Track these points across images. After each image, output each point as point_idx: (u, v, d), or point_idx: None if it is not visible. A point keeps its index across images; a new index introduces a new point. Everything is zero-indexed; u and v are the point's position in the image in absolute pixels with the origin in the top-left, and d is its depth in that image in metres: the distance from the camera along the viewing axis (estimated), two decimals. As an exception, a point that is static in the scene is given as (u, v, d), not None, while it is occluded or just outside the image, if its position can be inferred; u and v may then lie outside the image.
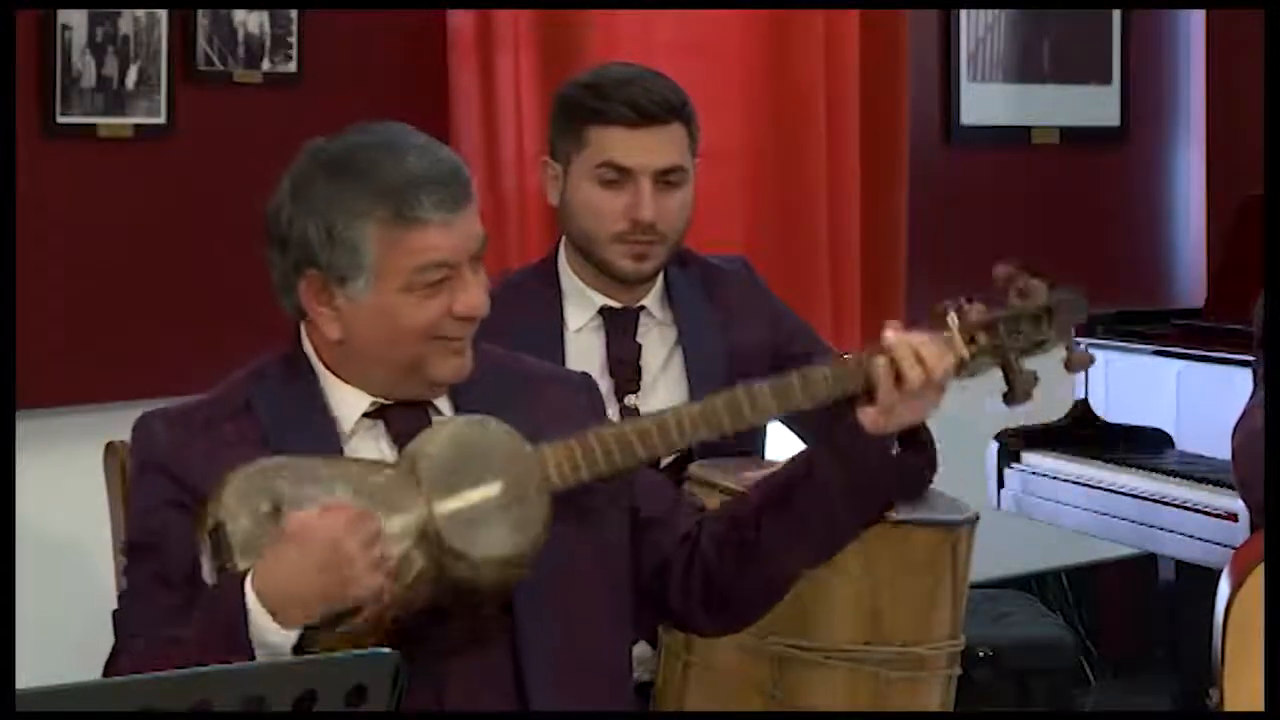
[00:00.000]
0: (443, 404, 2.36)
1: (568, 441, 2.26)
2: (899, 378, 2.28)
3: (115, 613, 2.29)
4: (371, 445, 2.33)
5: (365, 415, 2.33)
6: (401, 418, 2.33)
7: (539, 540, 2.23)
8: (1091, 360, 2.42)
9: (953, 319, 2.34)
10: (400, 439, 2.31)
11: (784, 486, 2.36)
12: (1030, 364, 2.39)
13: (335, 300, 2.27)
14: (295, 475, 2.19)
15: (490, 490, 2.22)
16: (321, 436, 2.30)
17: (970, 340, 2.34)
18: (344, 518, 2.11)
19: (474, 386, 2.36)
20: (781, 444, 3.21)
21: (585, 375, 2.55)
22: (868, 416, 2.30)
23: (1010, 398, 2.39)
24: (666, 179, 3.00)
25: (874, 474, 2.33)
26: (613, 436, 2.27)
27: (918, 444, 2.37)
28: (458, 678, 2.25)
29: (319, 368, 2.34)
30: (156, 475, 2.30)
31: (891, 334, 2.30)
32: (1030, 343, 2.38)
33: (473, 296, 2.27)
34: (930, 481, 2.99)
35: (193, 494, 2.24)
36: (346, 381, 2.33)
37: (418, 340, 2.27)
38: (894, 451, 2.34)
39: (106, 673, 2.22)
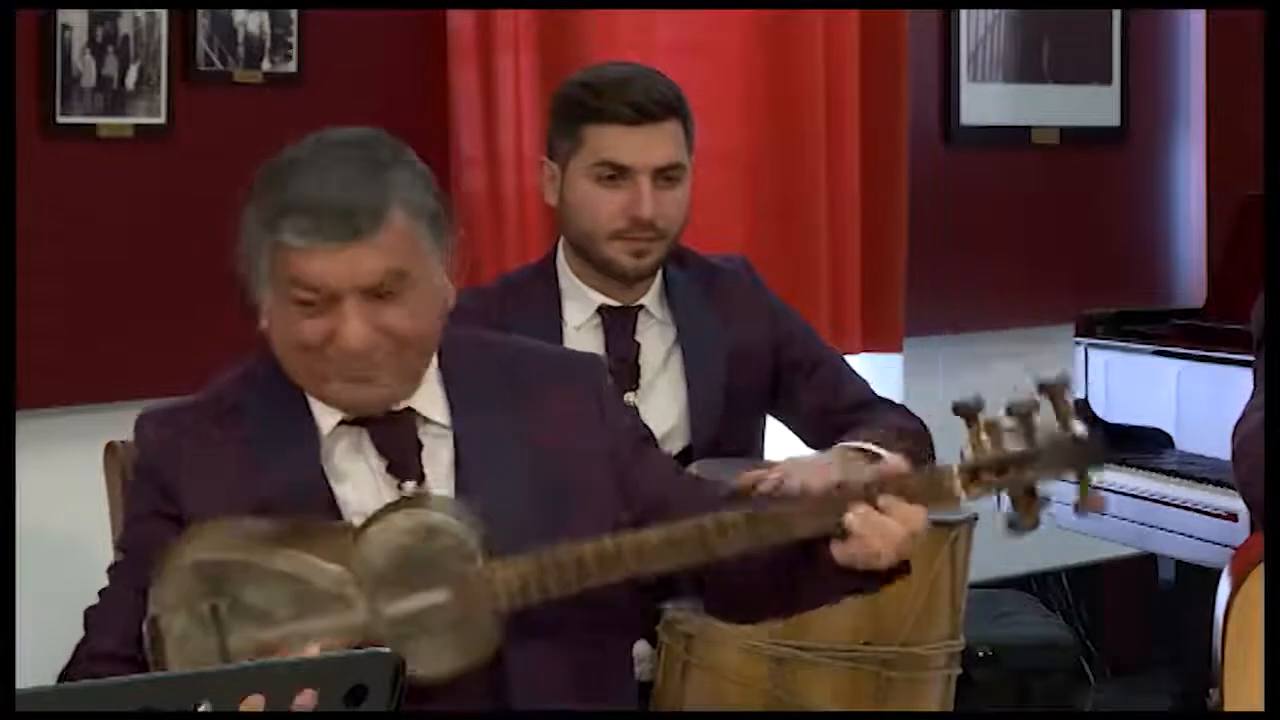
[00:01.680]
0: (435, 409, 2.31)
1: (519, 561, 2.17)
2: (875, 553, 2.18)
3: (88, 610, 2.29)
4: (355, 455, 2.30)
5: (347, 424, 2.30)
6: (382, 427, 2.29)
7: (482, 662, 2.18)
8: (1102, 505, 2.26)
9: (955, 463, 2.18)
10: (383, 449, 2.29)
11: (773, 563, 2.29)
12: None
13: (257, 299, 2.29)
14: (234, 575, 2.15)
15: (433, 600, 2.17)
16: (303, 446, 2.28)
17: (973, 479, 2.19)
18: None
19: (470, 384, 2.33)
20: (781, 444, 3.22)
21: (590, 365, 2.47)
22: (840, 554, 2.20)
23: (1013, 527, 2.24)
24: (665, 176, 3.00)
25: (845, 587, 2.28)
26: (571, 559, 2.18)
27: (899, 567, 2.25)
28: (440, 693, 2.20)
29: None
30: (145, 481, 2.31)
31: (860, 520, 2.17)
32: (1041, 478, 2.21)
33: (346, 332, 2.20)
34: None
35: (172, 502, 2.25)
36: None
37: (306, 357, 2.24)
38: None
39: (61, 677, 2.23)
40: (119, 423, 2.41)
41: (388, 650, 1.81)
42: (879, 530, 2.18)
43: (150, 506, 2.28)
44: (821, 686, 2.83)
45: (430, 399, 2.32)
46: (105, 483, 2.62)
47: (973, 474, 2.19)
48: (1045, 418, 2.20)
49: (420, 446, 2.30)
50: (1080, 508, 2.24)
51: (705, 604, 2.42)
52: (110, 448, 2.60)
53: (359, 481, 2.29)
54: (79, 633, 2.30)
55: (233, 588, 2.15)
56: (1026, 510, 2.21)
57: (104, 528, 2.59)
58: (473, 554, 2.18)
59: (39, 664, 2.60)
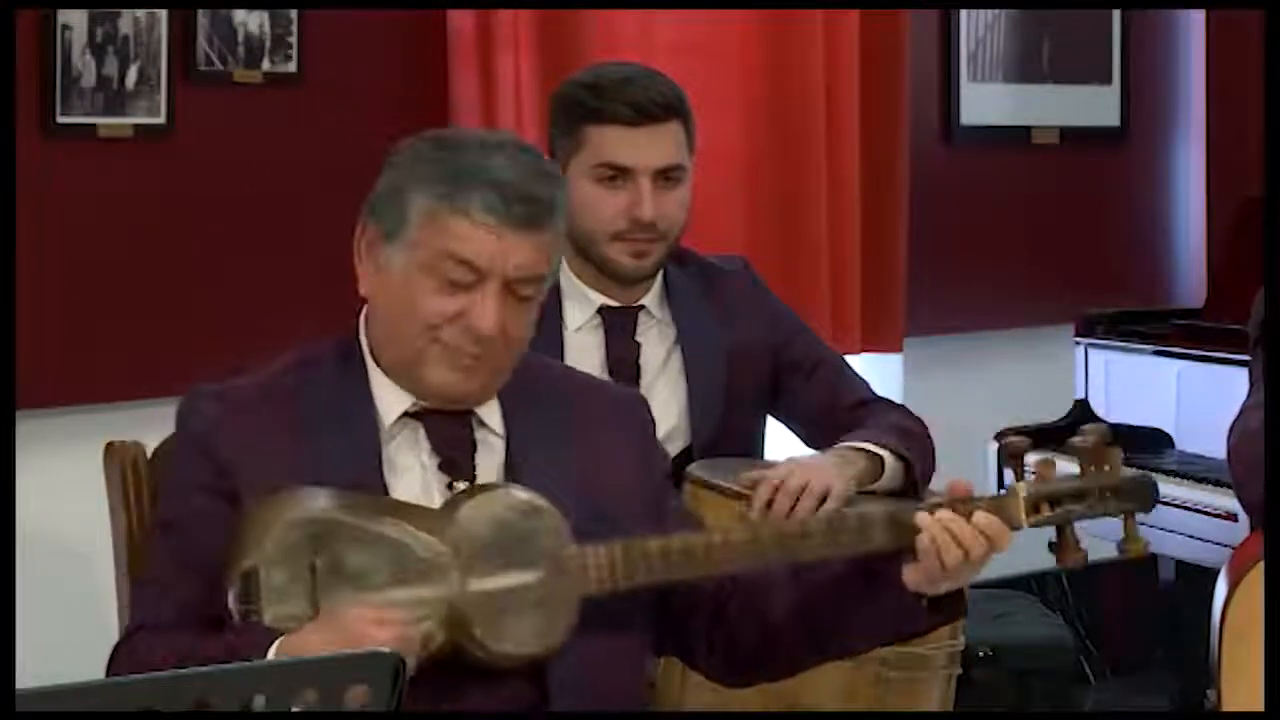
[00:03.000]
0: (492, 414, 2.33)
1: (611, 546, 2.22)
2: (941, 560, 2.22)
3: (133, 586, 2.29)
4: (410, 450, 2.30)
5: (408, 415, 2.30)
6: (441, 424, 2.30)
7: (558, 644, 2.21)
8: (1146, 551, 2.37)
9: (1022, 489, 2.26)
10: (438, 447, 2.30)
11: (809, 600, 2.33)
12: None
13: (377, 258, 2.28)
14: (340, 535, 2.17)
15: (524, 579, 2.20)
16: (361, 435, 2.28)
17: (1034, 509, 2.28)
18: (390, 636, 2.07)
19: (525, 399, 2.34)
20: (781, 444, 3.22)
21: (636, 402, 2.51)
22: (910, 575, 2.25)
23: (1059, 559, 2.34)
24: (666, 177, 3.00)
25: (899, 621, 2.31)
26: (657, 550, 2.23)
27: (952, 600, 2.29)
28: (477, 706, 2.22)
29: (369, 360, 2.32)
30: (193, 454, 2.29)
31: (938, 523, 2.22)
32: (1091, 515, 2.32)
33: (483, 315, 2.22)
34: (929, 479, 3.01)
35: (227, 479, 2.24)
36: (386, 374, 2.31)
37: (422, 331, 2.24)
38: (924, 602, 2.28)
39: (114, 653, 2.25)
40: (119, 423, 2.41)
41: (388, 650, 1.81)
42: (958, 533, 2.21)
43: (196, 480, 2.27)
44: (821, 686, 2.83)
45: (488, 404, 2.34)
46: (105, 483, 2.62)
47: (1035, 504, 2.27)
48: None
49: (475, 447, 2.32)
50: (1126, 549, 2.35)
51: (715, 664, 2.43)
52: (110, 448, 2.60)
53: (410, 478, 2.30)
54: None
55: (336, 545, 2.17)
56: (1073, 547, 2.32)
57: (104, 528, 2.59)
58: (568, 537, 2.22)
59: (39, 664, 2.61)
